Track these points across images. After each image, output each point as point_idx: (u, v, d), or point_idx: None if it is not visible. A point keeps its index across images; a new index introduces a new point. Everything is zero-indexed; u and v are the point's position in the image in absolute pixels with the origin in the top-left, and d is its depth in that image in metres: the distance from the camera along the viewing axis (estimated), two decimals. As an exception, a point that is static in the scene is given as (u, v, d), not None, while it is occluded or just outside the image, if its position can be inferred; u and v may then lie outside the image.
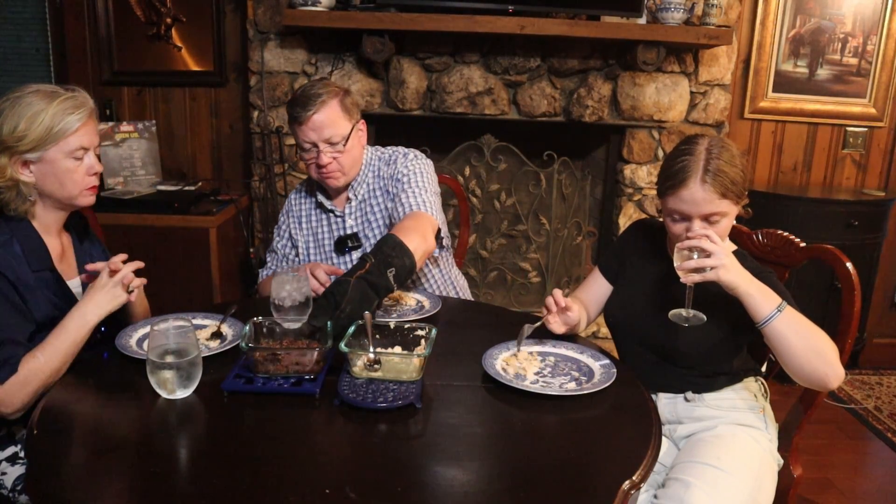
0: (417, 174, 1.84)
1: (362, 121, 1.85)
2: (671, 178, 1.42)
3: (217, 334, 1.51)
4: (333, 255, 1.91)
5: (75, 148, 1.43)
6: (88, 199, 1.49)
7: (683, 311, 1.38)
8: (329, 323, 1.39)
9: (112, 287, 1.42)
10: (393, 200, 1.83)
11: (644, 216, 3.11)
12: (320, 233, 1.94)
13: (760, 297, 1.34)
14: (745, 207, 1.49)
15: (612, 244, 1.73)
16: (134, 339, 1.46)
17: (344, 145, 1.79)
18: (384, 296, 1.54)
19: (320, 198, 1.92)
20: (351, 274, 1.48)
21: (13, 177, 1.39)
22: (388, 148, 1.95)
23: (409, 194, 1.79)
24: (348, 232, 1.90)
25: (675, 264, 1.37)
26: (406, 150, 1.93)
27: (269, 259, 2.03)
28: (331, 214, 1.92)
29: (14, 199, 1.42)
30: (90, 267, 1.46)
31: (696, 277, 1.34)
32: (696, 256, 1.35)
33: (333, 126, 1.76)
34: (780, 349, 1.34)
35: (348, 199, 1.89)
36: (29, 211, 1.44)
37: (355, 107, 1.83)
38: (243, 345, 1.29)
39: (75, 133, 1.42)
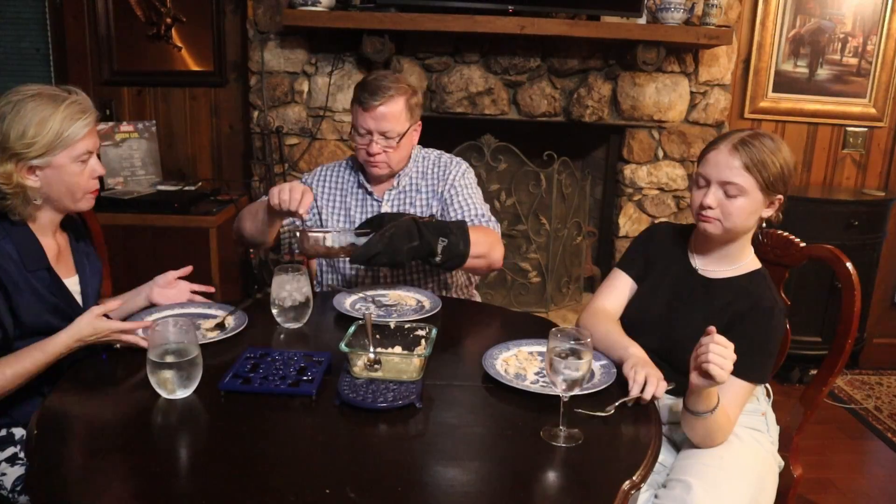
0: (475, 188, 1.94)
1: (419, 122, 1.89)
2: (708, 144, 1.46)
3: (220, 325, 1.52)
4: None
5: (82, 153, 1.43)
6: (89, 203, 1.50)
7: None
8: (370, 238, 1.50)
9: (103, 336, 1.37)
10: (444, 203, 1.89)
11: (645, 216, 3.11)
12: (354, 212, 1.95)
13: (704, 395, 1.29)
14: (777, 212, 1.47)
15: (631, 247, 1.70)
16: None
17: (397, 142, 1.82)
18: (424, 254, 1.59)
19: (362, 179, 1.94)
20: (400, 214, 1.59)
21: (20, 183, 1.39)
22: (434, 150, 2.01)
23: (478, 208, 1.87)
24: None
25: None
26: (453, 156, 1.99)
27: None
28: (369, 197, 1.94)
29: (19, 205, 1.41)
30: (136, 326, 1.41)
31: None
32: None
33: (393, 121, 1.79)
34: (686, 427, 1.39)
35: (390, 186, 1.93)
36: (30, 214, 1.44)
37: (418, 108, 1.87)
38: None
39: (83, 138, 1.42)
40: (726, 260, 1.51)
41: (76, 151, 1.41)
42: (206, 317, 1.59)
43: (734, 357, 1.22)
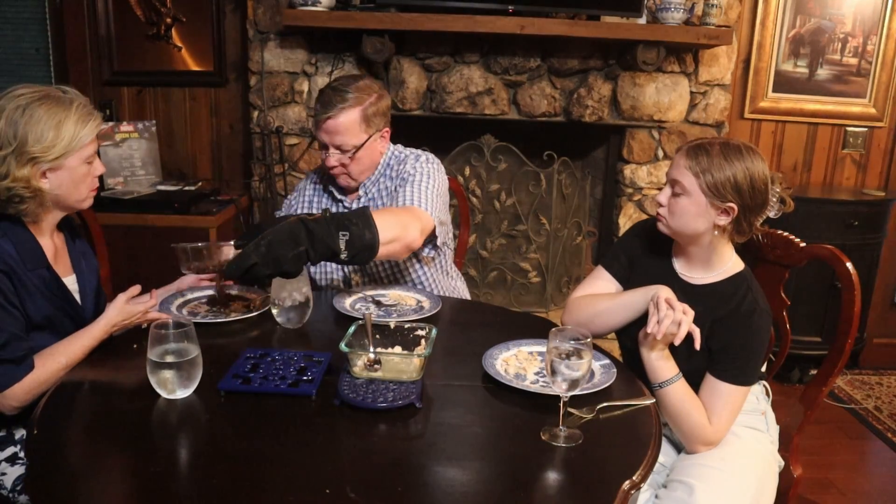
0: (424, 175, 1.78)
1: (387, 128, 1.84)
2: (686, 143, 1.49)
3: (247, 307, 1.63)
4: None
5: (90, 154, 1.46)
6: (90, 202, 1.52)
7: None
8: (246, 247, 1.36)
9: (133, 319, 1.49)
10: (392, 196, 1.81)
11: (645, 216, 3.11)
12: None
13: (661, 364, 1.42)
14: (735, 231, 1.45)
15: (616, 245, 1.70)
16: (174, 306, 1.63)
17: (352, 155, 1.76)
18: (325, 256, 1.43)
19: (331, 187, 1.92)
20: (283, 218, 1.44)
21: (37, 186, 1.40)
22: (408, 149, 1.92)
23: (409, 191, 1.74)
24: None
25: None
26: (420, 152, 1.90)
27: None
28: (339, 205, 1.93)
29: (35, 209, 1.43)
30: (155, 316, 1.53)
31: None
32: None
33: (346, 134, 1.74)
34: (664, 413, 1.44)
35: (358, 195, 1.90)
36: (36, 216, 1.45)
37: (380, 116, 1.78)
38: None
39: (92, 141, 1.46)
40: (706, 266, 1.50)
41: (86, 153, 1.45)
42: (198, 300, 1.70)
43: (686, 315, 1.35)
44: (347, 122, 1.73)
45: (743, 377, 1.40)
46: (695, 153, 1.42)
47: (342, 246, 1.43)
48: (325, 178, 1.96)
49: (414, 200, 1.72)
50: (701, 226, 1.44)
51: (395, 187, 1.82)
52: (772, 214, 1.47)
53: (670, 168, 1.48)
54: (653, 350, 1.42)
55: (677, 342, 1.36)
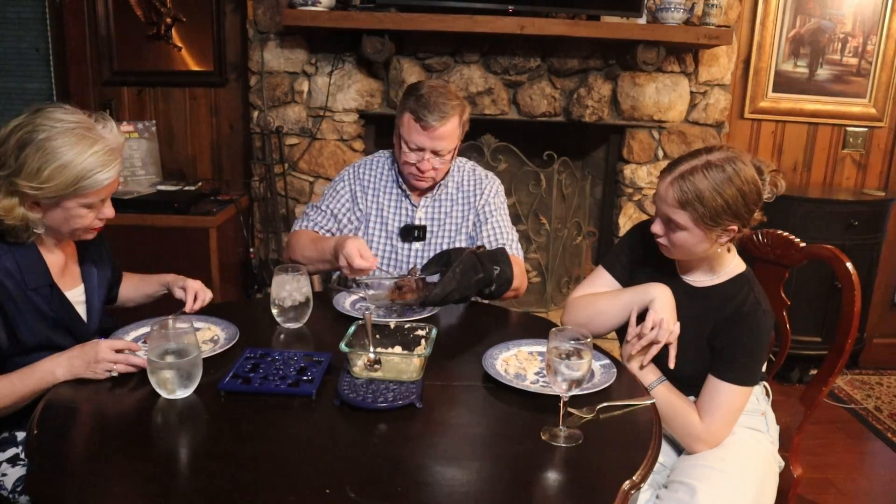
0: (505, 209, 1.96)
1: None
2: (664, 168, 1.46)
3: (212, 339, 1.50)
4: (396, 237, 1.93)
5: (93, 202, 1.35)
6: (89, 236, 1.44)
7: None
8: (439, 279, 1.50)
9: (95, 364, 1.28)
10: (479, 219, 1.93)
11: (645, 216, 3.11)
12: (388, 211, 1.93)
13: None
14: (731, 242, 1.46)
15: (617, 246, 1.69)
16: (130, 337, 1.46)
17: (448, 159, 1.83)
18: (484, 283, 1.60)
19: (401, 181, 1.93)
20: (461, 249, 1.60)
21: (22, 215, 1.32)
22: (467, 161, 2.02)
23: (509, 234, 1.92)
24: (416, 223, 1.92)
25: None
26: (486, 171, 2.01)
27: (311, 212, 1.95)
28: (406, 200, 1.93)
29: (22, 233, 1.36)
30: (122, 346, 1.32)
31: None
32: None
33: (448, 140, 1.79)
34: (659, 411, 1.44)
35: (427, 194, 1.93)
36: (31, 236, 1.39)
37: (468, 122, 1.87)
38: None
39: (101, 190, 1.34)
40: (709, 270, 1.51)
41: (87, 200, 1.34)
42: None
43: (673, 327, 1.41)
44: (451, 129, 1.78)
45: (743, 377, 1.40)
46: (679, 186, 1.37)
47: (494, 276, 1.63)
48: (390, 168, 1.96)
49: (520, 251, 1.92)
50: (704, 249, 1.44)
51: (474, 204, 1.94)
52: (765, 198, 1.45)
53: (658, 200, 1.43)
54: (632, 360, 1.47)
55: (646, 361, 1.46)
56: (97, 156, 1.31)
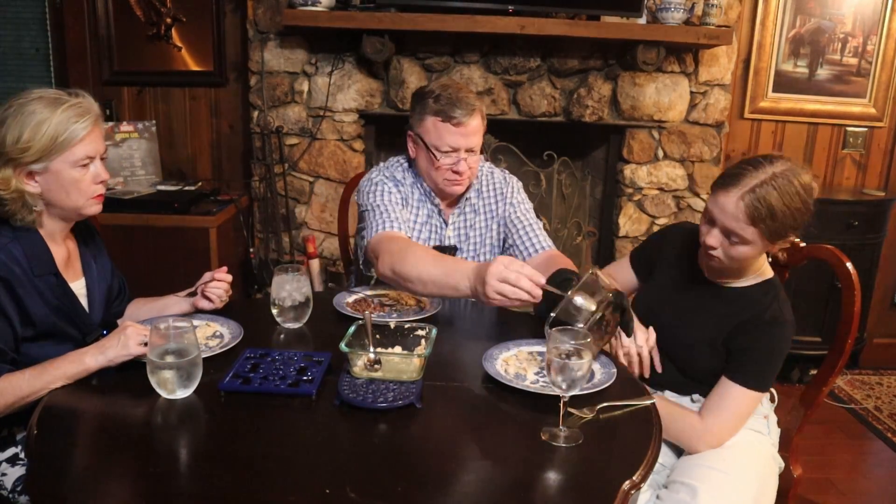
0: (529, 205, 1.92)
1: None
2: (722, 179, 1.41)
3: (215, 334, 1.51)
4: None
5: (81, 157, 1.39)
6: (95, 209, 1.46)
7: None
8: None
9: (126, 339, 1.30)
10: (507, 224, 1.88)
11: (645, 216, 3.11)
12: (418, 224, 1.85)
13: None
14: (782, 251, 1.48)
15: (646, 242, 1.69)
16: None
17: (480, 157, 1.79)
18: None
19: (433, 194, 1.83)
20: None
21: (18, 188, 1.36)
22: (484, 164, 1.95)
23: (542, 236, 1.87)
24: (446, 242, 1.87)
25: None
26: (502, 171, 1.96)
27: (384, 214, 1.74)
28: (438, 216, 1.86)
29: (20, 210, 1.38)
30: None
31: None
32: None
33: (479, 135, 1.74)
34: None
35: (456, 206, 1.87)
36: (35, 220, 1.42)
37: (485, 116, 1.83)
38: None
39: (81, 142, 1.38)
40: (738, 274, 1.51)
41: (74, 156, 1.38)
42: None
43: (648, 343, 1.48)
44: (479, 122, 1.73)
45: (755, 382, 1.40)
46: (750, 201, 1.33)
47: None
48: (414, 181, 1.84)
49: (552, 244, 1.88)
50: (756, 259, 1.45)
51: (498, 209, 1.89)
52: None
53: (720, 214, 1.38)
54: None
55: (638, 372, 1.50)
56: (71, 109, 1.37)
